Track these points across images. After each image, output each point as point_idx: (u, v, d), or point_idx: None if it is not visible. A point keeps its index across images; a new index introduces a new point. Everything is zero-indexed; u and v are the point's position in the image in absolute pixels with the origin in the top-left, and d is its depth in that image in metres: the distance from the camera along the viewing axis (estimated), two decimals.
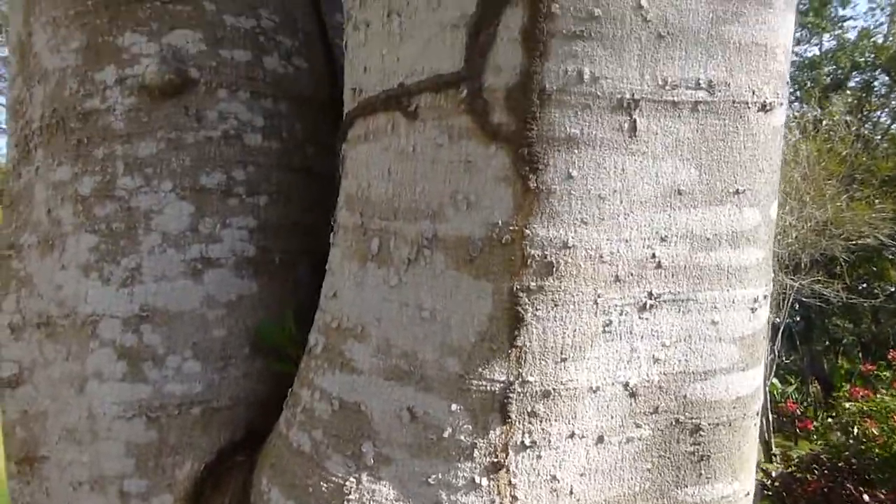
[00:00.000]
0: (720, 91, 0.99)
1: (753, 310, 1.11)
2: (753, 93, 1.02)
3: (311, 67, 1.47)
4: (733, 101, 1.01)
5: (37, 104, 1.39)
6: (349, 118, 1.15)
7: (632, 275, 1.00)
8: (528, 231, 0.97)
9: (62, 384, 1.29)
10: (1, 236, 1.46)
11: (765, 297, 1.13)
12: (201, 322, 1.30)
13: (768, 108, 1.05)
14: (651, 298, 1.01)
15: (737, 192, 1.04)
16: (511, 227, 0.97)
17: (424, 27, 1.00)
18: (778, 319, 11.06)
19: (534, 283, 0.97)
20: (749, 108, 1.02)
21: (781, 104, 1.08)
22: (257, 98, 1.38)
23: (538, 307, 0.98)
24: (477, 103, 0.96)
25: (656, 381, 1.04)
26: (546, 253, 0.97)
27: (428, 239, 1.02)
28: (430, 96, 1.00)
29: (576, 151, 0.95)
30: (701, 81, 0.98)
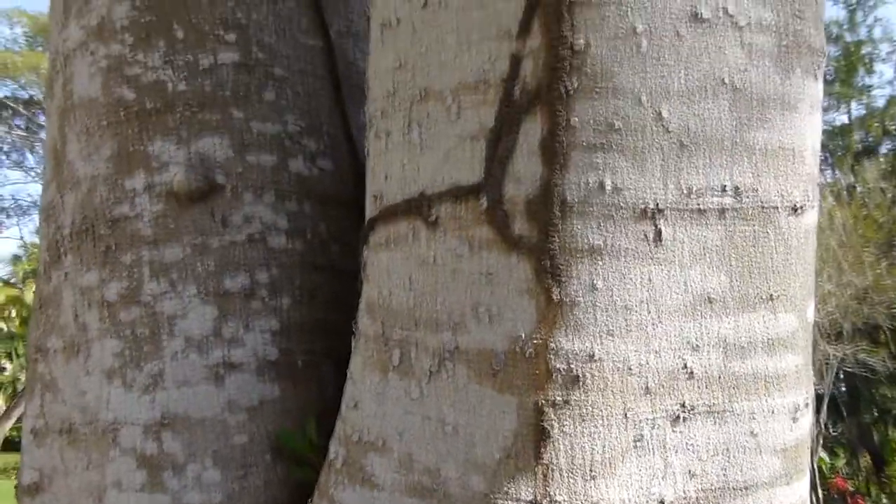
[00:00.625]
0: (748, 197, 0.97)
1: (795, 419, 1.05)
2: (783, 196, 1.00)
3: (335, 167, 1.49)
4: (762, 206, 0.98)
5: (68, 210, 1.42)
6: (371, 223, 1.15)
7: (663, 386, 0.96)
8: (552, 344, 0.94)
9: (81, 494, 1.27)
10: (30, 339, 1.47)
11: (806, 404, 1.07)
12: (222, 428, 1.27)
13: (799, 210, 1.02)
14: (684, 410, 0.97)
15: (770, 297, 1.00)
16: (535, 340, 0.94)
17: (444, 138, 1.01)
18: (822, 389, 10.68)
19: (560, 397, 0.94)
20: (779, 212, 1.00)
21: (813, 206, 1.05)
22: (282, 200, 1.39)
23: (565, 422, 0.94)
24: (497, 214, 0.95)
25: (693, 497, 0.98)
26: (572, 366, 0.93)
27: (450, 351, 0.99)
28: (450, 206, 1.00)
29: (600, 262, 0.93)
30: (727, 188, 0.96)
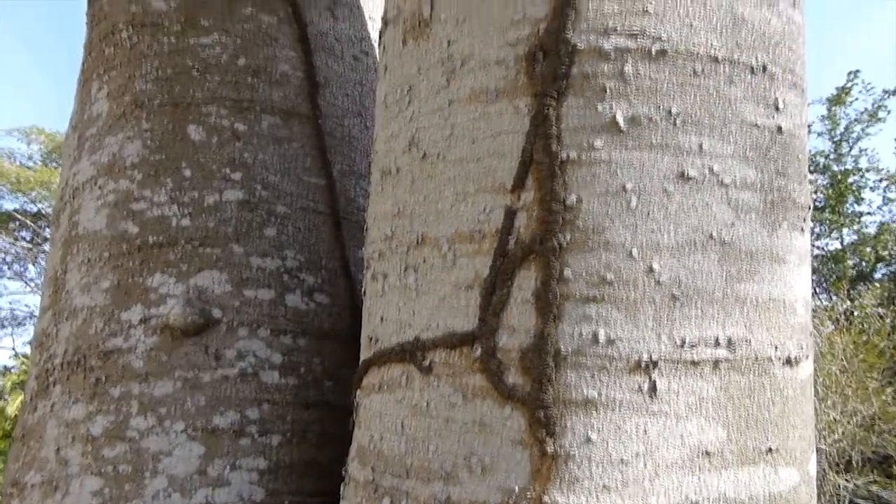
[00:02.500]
0: (741, 348, 0.97)
1: None
2: (776, 348, 1.00)
3: (332, 302, 1.50)
4: (756, 358, 0.98)
5: (62, 340, 1.42)
6: (364, 365, 1.14)
7: None
8: (546, 498, 0.91)
9: None
10: (6, 471, 1.42)
11: None
12: None
13: (793, 362, 1.01)
14: None
15: (770, 450, 0.98)
16: (528, 494, 0.91)
17: (440, 284, 1.02)
18: None
19: None
20: (773, 363, 0.99)
21: (807, 356, 1.05)
22: (277, 335, 1.39)
23: None
24: (491, 363, 0.95)
25: None
26: None
27: (441, 502, 0.96)
28: (444, 353, 1.00)
29: (594, 414, 0.92)
30: (720, 340, 0.96)
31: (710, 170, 0.96)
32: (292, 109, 1.60)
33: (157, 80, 1.55)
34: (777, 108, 1.02)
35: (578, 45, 0.95)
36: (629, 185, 0.94)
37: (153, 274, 1.38)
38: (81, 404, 1.33)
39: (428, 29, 1.11)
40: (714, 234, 0.96)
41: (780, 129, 1.02)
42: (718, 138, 0.97)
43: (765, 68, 1.01)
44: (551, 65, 0.95)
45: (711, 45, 0.97)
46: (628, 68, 0.94)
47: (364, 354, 1.15)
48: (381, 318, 1.11)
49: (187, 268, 1.38)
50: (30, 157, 19.31)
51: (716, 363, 0.95)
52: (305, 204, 1.54)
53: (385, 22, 1.25)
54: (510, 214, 0.96)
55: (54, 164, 19.76)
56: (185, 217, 1.42)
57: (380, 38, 1.28)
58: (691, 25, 0.97)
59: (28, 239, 20.56)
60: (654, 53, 0.95)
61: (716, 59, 0.97)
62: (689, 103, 0.96)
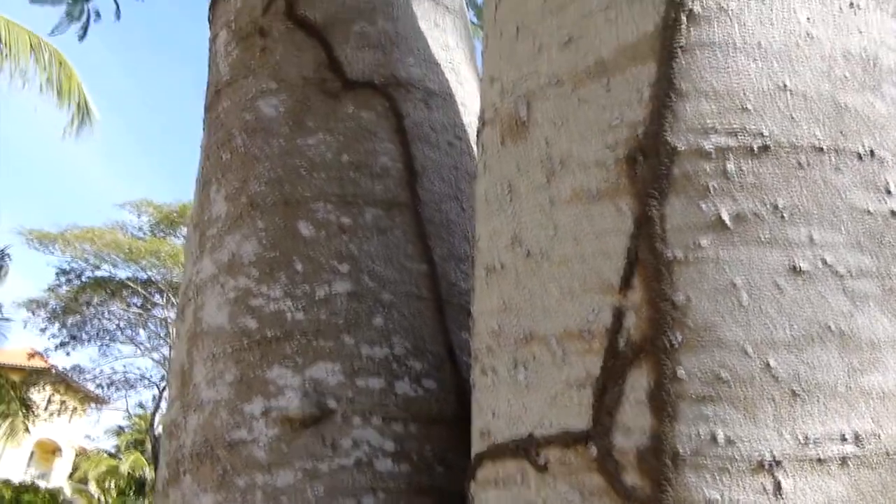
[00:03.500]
0: (870, 443, 0.94)
1: None
2: None
3: (439, 387, 1.53)
4: (887, 453, 0.94)
5: (190, 431, 1.51)
6: (478, 459, 1.16)
7: None
8: None
9: None
10: None
11: None
12: None
13: None
14: None
15: None
16: None
17: (551, 382, 1.04)
18: None
19: None
20: None
21: None
22: (388, 423, 1.43)
23: None
24: (608, 463, 0.95)
25: None
26: None
27: None
28: (559, 450, 1.01)
29: None
30: (846, 435, 0.93)
31: (823, 261, 0.95)
32: (393, 200, 1.68)
33: (269, 182, 1.66)
34: (889, 192, 1.00)
35: (678, 146, 0.97)
36: (739, 282, 0.94)
37: (272, 367, 1.46)
38: (210, 494, 1.41)
39: (525, 130, 1.16)
40: (832, 325, 0.94)
41: (893, 213, 0.99)
42: (829, 228, 0.96)
43: (872, 153, 0.99)
44: (652, 166, 0.98)
45: (815, 135, 0.97)
46: (731, 166, 0.96)
47: (476, 447, 1.18)
48: (493, 413, 1.14)
49: (303, 360, 1.46)
50: (140, 228, 20.74)
51: (843, 460, 0.92)
52: (409, 290, 1.60)
53: (482, 122, 1.31)
54: (618, 314, 0.97)
55: (162, 233, 21.13)
56: (298, 311, 1.50)
57: (478, 136, 1.34)
58: (792, 118, 0.97)
59: (139, 305, 21.90)
60: (756, 150, 0.96)
61: (820, 150, 0.97)
62: (796, 196, 0.96)
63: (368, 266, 1.57)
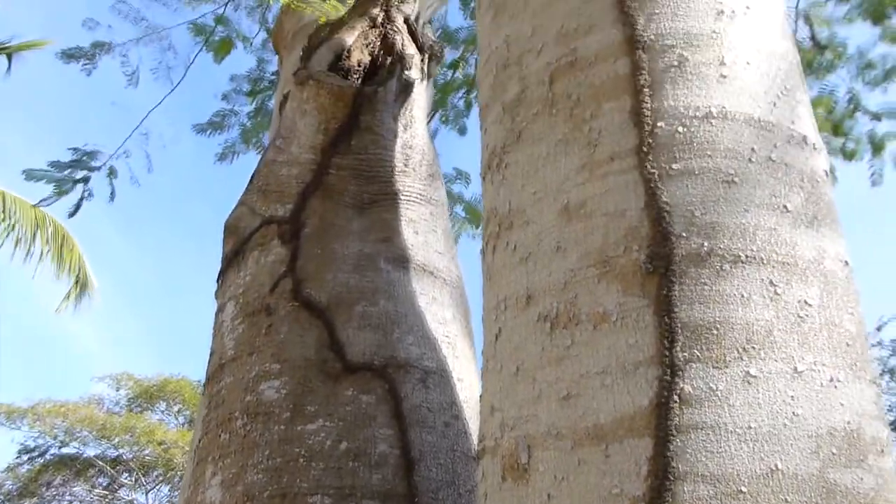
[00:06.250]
0: None
1: None
2: None
3: None
4: None
5: None
6: None
7: None
8: None
9: None
10: None
11: None
12: None
13: None
14: None
15: None
16: None
17: None
18: None
19: None
20: None
21: None
22: None
23: None
24: None
25: None
26: None
27: None
28: None
29: None
30: None
31: None
32: (390, 491, 1.67)
33: (267, 471, 1.67)
34: None
35: None
36: None
37: None
38: None
39: (527, 475, 1.19)
40: None
41: None
42: None
43: None
44: None
45: None
46: None
47: None
48: None
49: None
50: (117, 403, 20.09)
51: None
52: None
53: (482, 447, 1.34)
54: None
55: (139, 408, 20.47)
56: None
57: (477, 458, 1.36)
58: (786, 501, 1.01)
59: (105, 486, 20.69)
60: None
61: None
62: None
63: None
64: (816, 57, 6.22)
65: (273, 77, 6.16)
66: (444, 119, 6.93)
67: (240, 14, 5.91)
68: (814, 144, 1.29)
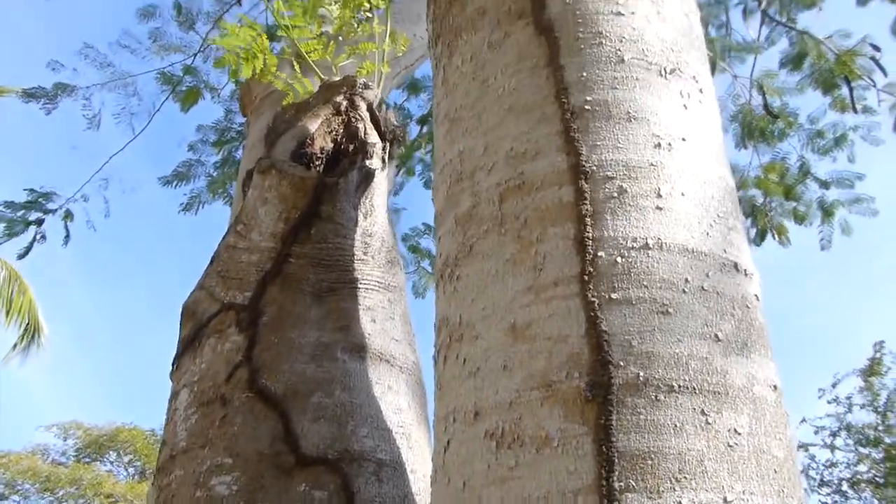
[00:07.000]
0: None
1: None
2: None
3: None
4: None
5: None
6: None
7: None
8: None
9: None
10: None
11: None
12: None
13: None
14: None
15: None
16: None
17: None
18: None
19: None
20: None
21: None
22: None
23: None
24: None
25: None
26: None
27: None
28: None
29: None
30: None
31: None
32: None
33: None
34: None
35: None
36: None
37: None
38: None
39: None
40: None
41: None
42: None
43: None
44: None
45: None
46: None
47: None
48: None
49: None
50: (64, 453, 19.32)
51: None
52: None
53: None
54: None
55: (87, 458, 19.70)
56: None
57: None
58: None
59: None
60: None
61: None
62: None
63: None
64: (769, 125, 6.49)
65: (241, 128, 6.19)
66: (410, 172, 7.01)
67: (209, 64, 5.97)
68: (745, 270, 1.37)
